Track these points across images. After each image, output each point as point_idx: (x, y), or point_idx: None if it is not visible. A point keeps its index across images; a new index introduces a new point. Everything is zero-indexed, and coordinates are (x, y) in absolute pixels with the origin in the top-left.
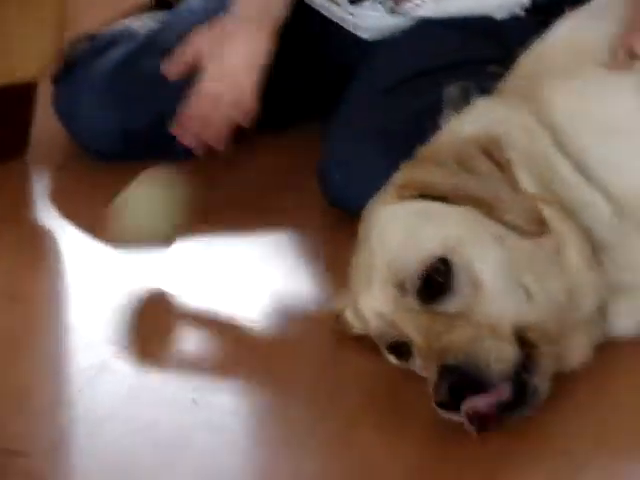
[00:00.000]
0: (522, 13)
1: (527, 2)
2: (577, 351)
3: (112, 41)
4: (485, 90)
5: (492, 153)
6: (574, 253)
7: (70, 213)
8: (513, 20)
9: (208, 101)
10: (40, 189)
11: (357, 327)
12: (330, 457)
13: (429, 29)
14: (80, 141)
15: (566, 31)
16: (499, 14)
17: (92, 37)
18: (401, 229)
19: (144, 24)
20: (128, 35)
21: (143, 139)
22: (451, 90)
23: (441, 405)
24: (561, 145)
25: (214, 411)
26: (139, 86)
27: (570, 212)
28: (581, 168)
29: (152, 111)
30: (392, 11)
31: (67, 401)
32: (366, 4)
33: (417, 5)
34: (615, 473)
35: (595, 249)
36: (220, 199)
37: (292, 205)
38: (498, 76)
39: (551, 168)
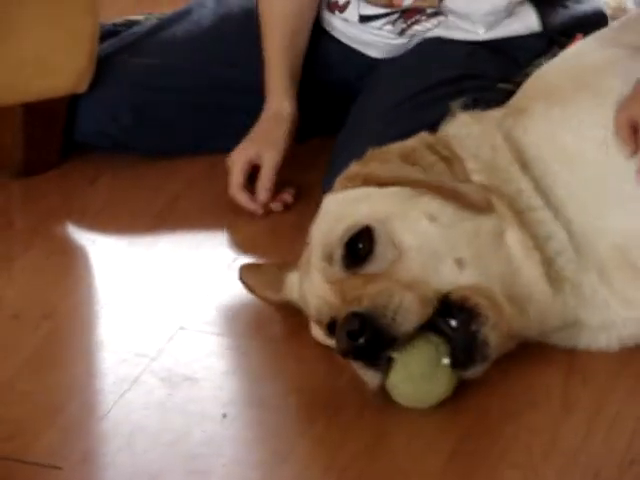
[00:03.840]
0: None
1: (537, 27)
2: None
3: (112, 32)
4: (492, 106)
5: (437, 149)
6: (514, 239)
7: (101, 227)
8: (521, 38)
9: None
10: (72, 202)
11: (292, 297)
12: (358, 472)
13: (435, 45)
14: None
15: (572, 54)
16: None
17: None
18: (335, 212)
19: (146, 19)
20: (129, 27)
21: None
22: (455, 105)
23: (345, 355)
24: (525, 165)
25: (244, 426)
26: (123, 82)
27: (526, 224)
28: (541, 188)
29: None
30: (402, 32)
31: (98, 415)
32: (376, 24)
33: (427, 29)
34: None
35: (554, 271)
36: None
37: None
38: (509, 93)
39: (512, 182)
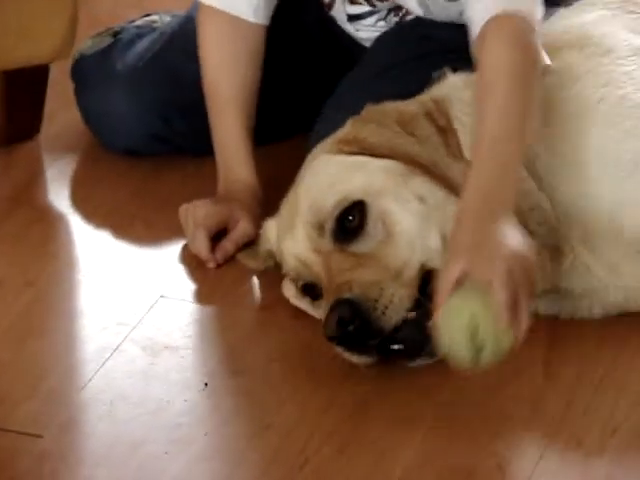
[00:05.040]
0: None
1: None
2: None
3: (138, 35)
4: None
5: (435, 117)
6: None
7: (81, 194)
8: None
9: None
10: (52, 171)
11: (270, 246)
12: (341, 439)
13: (424, 22)
14: (107, 139)
15: (557, 18)
16: None
17: (116, 32)
18: (329, 176)
19: (160, 18)
20: (151, 29)
21: (177, 139)
22: (442, 72)
23: (331, 339)
24: None
25: (226, 395)
26: (173, 89)
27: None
28: (530, 165)
29: (187, 111)
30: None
31: (79, 384)
32: (367, 22)
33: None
34: None
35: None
36: None
37: None
38: None
39: None
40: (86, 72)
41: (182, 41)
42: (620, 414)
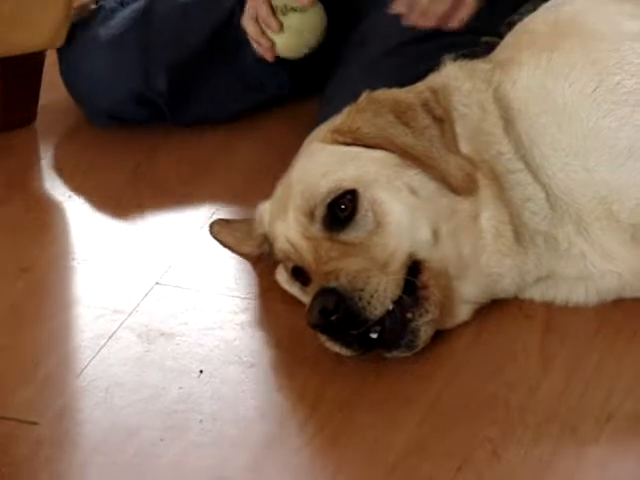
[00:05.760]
0: None
1: None
2: (461, 308)
3: (121, 3)
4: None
5: (432, 107)
6: (489, 223)
7: (77, 181)
8: None
9: None
10: (47, 158)
11: (264, 229)
12: (335, 425)
13: None
14: (90, 107)
15: (552, 4)
16: None
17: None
18: (322, 165)
19: None
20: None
21: (158, 100)
22: (448, 58)
23: (314, 327)
24: (509, 122)
25: (221, 382)
26: (153, 46)
27: (503, 189)
28: (522, 149)
29: (167, 70)
30: None
31: (75, 371)
32: None
33: None
34: None
35: (526, 230)
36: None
37: None
38: (491, 47)
39: (493, 146)
40: (69, 38)
41: (163, 7)
42: (615, 400)
